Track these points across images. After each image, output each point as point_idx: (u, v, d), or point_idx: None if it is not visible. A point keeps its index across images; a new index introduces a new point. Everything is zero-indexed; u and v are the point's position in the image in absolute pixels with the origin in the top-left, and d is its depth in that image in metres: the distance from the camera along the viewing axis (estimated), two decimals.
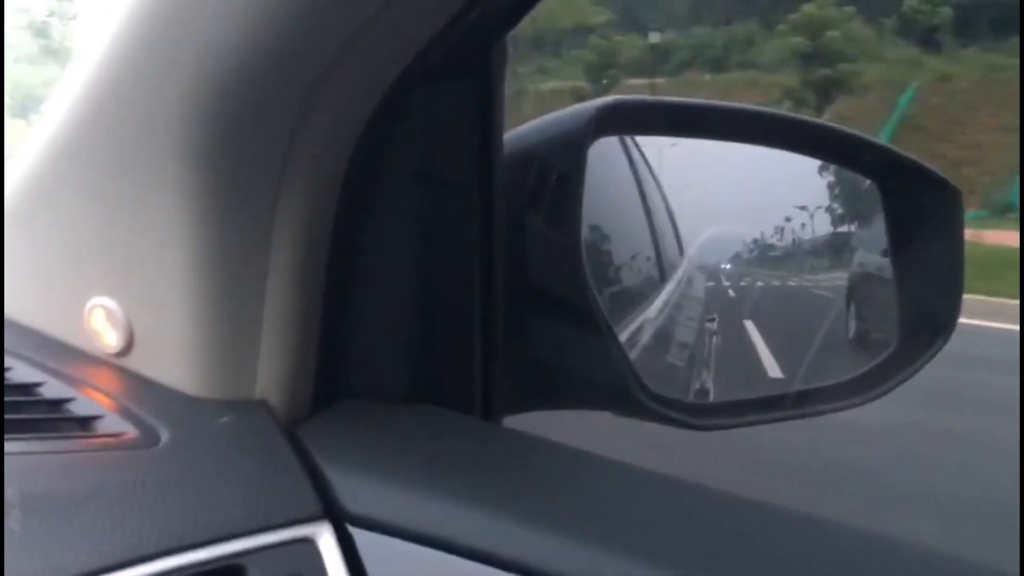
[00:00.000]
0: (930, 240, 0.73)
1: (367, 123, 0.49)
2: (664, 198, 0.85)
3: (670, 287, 0.88)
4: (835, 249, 0.87)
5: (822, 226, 0.83)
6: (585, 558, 0.40)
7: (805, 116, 0.71)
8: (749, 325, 0.83)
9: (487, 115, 0.54)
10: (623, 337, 0.70)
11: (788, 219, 0.81)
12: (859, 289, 0.85)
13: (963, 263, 0.71)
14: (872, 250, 0.82)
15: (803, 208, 0.81)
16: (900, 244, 0.75)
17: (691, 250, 0.85)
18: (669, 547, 0.42)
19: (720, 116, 0.71)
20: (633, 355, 0.70)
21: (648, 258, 0.85)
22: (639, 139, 0.79)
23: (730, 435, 0.73)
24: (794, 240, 0.82)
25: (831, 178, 0.79)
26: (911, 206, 0.74)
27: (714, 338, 0.87)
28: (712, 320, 0.87)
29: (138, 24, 0.47)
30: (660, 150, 0.79)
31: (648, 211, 0.87)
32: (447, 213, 0.54)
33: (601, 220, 0.72)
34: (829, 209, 0.82)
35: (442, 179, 0.54)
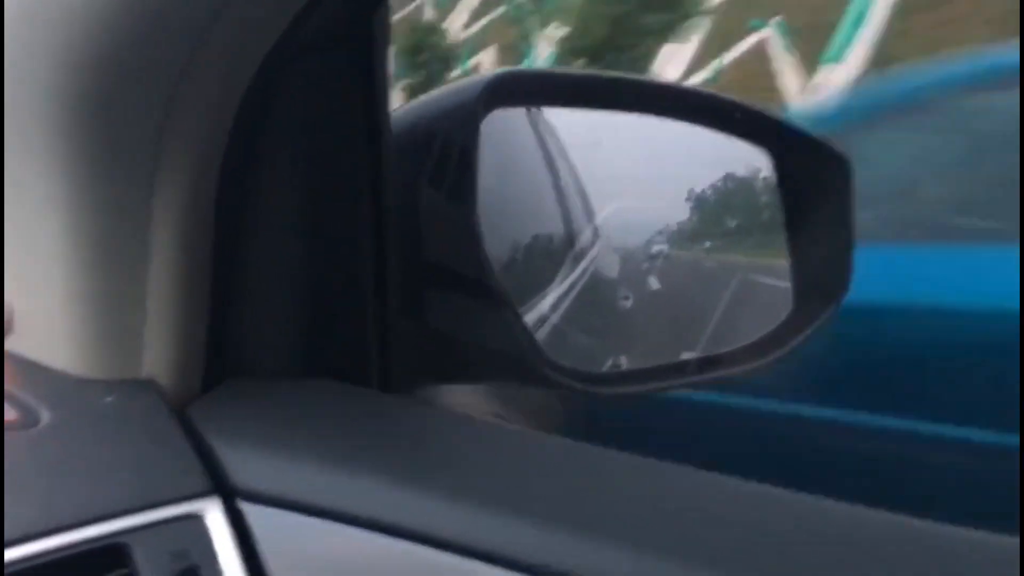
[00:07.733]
0: (820, 208, 0.75)
1: (244, 96, 0.48)
2: (575, 173, 0.86)
3: (583, 264, 0.88)
4: (732, 224, 0.88)
5: (723, 198, 0.84)
6: (484, 524, 0.40)
7: (701, 87, 0.72)
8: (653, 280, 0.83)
9: (371, 85, 0.53)
10: (535, 314, 0.70)
11: (691, 192, 0.82)
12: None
13: (853, 231, 0.73)
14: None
15: (708, 181, 0.82)
16: (791, 212, 0.77)
17: (600, 225, 0.86)
18: (577, 514, 0.41)
19: (612, 87, 0.72)
20: (543, 333, 0.70)
21: (557, 234, 0.85)
22: (549, 114, 0.79)
23: None
24: (697, 214, 0.83)
25: (729, 149, 0.80)
26: (801, 174, 0.76)
27: (628, 314, 0.87)
28: (627, 298, 0.88)
29: None
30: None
31: (558, 187, 0.87)
32: (334, 186, 0.54)
33: (507, 194, 0.72)
34: (728, 180, 0.83)
35: (327, 151, 0.53)
